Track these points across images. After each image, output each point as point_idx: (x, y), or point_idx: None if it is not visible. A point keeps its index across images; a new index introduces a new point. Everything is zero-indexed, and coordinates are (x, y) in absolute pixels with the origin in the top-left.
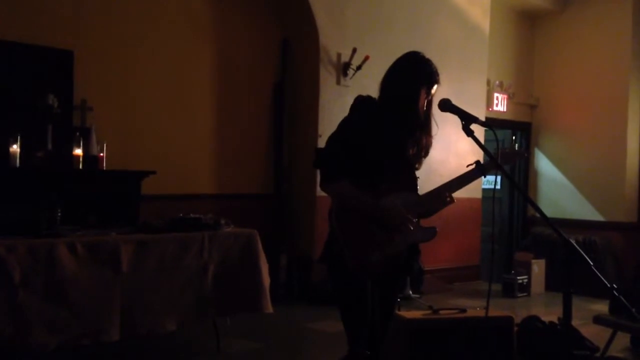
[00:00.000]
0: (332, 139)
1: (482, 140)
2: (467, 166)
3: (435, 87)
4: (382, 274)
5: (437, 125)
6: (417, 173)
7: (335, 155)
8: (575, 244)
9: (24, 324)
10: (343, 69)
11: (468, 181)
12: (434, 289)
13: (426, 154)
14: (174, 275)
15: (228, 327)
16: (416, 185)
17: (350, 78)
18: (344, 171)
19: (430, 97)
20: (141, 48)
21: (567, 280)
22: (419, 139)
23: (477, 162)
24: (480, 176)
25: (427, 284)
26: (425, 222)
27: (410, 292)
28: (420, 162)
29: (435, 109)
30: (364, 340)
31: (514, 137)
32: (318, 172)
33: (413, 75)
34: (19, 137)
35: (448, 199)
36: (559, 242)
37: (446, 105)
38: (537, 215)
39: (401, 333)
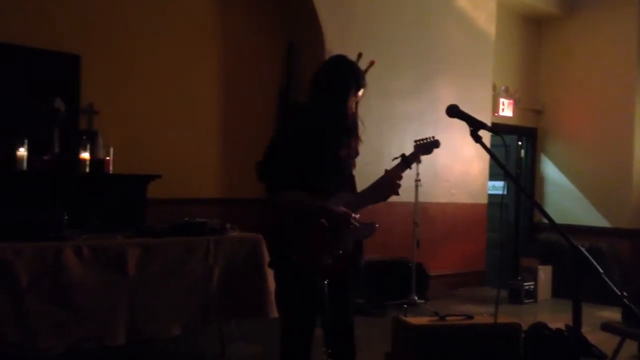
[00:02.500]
0: (269, 149)
1: (488, 145)
2: (393, 159)
3: (362, 90)
4: (333, 272)
5: (363, 125)
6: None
7: (276, 165)
8: (584, 251)
9: (30, 328)
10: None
11: (397, 175)
12: (439, 295)
13: (356, 154)
14: (179, 280)
15: (233, 331)
16: (354, 185)
17: None
18: (287, 179)
19: (358, 99)
20: (147, 52)
21: (576, 287)
22: (348, 141)
23: (403, 155)
24: (405, 169)
25: (432, 289)
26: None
27: (416, 298)
28: (353, 163)
29: (436, 114)
30: (300, 345)
31: (519, 143)
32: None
33: (341, 78)
34: (26, 141)
35: (394, 185)
36: (566, 248)
37: (454, 111)
38: (544, 221)
39: (408, 339)
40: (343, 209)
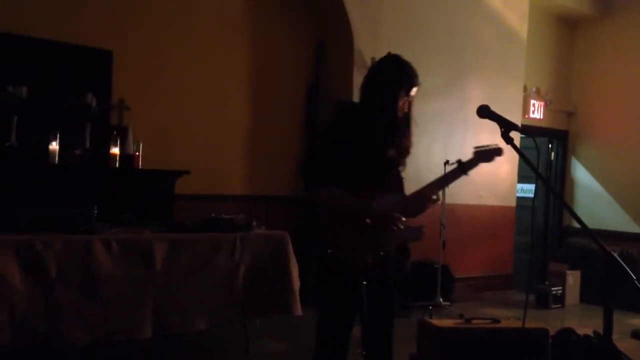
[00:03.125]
0: (316, 147)
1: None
2: (450, 164)
3: (414, 89)
4: (374, 275)
5: (417, 124)
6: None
7: (321, 163)
8: (617, 257)
9: (58, 319)
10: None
11: (451, 180)
12: (465, 297)
13: (406, 154)
14: (205, 275)
15: (257, 328)
16: (402, 186)
17: None
18: (329, 177)
19: (410, 99)
20: (178, 49)
21: (608, 293)
22: (398, 141)
23: (459, 161)
24: (461, 175)
25: (458, 292)
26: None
27: (441, 300)
28: (403, 163)
29: (465, 114)
30: (334, 346)
31: (550, 145)
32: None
33: (392, 77)
34: (58, 135)
35: (435, 197)
36: (595, 253)
37: (485, 112)
38: (573, 225)
39: (432, 341)
40: (386, 209)
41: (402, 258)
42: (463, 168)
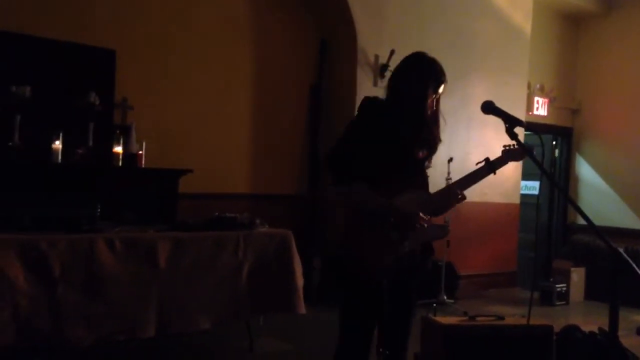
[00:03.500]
0: (341, 141)
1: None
2: (477, 163)
3: (442, 86)
4: (397, 273)
5: (445, 121)
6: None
7: (346, 158)
8: (623, 253)
9: (61, 318)
10: (380, 71)
11: (478, 179)
12: (469, 295)
13: (434, 152)
14: (209, 274)
15: (261, 327)
16: (427, 184)
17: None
18: (355, 173)
19: (437, 96)
20: (181, 49)
21: (613, 290)
22: (426, 138)
23: (487, 160)
24: (489, 173)
25: (462, 289)
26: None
27: (445, 297)
28: (429, 160)
29: (469, 111)
30: (361, 346)
31: (554, 143)
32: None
33: (420, 75)
34: (61, 134)
35: (460, 196)
36: (600, 250)
37: (489, 108)
38: (577, 222)
39: (436, 339)
40: (410, 208)
41: (426, 256)
42: (492, 166)
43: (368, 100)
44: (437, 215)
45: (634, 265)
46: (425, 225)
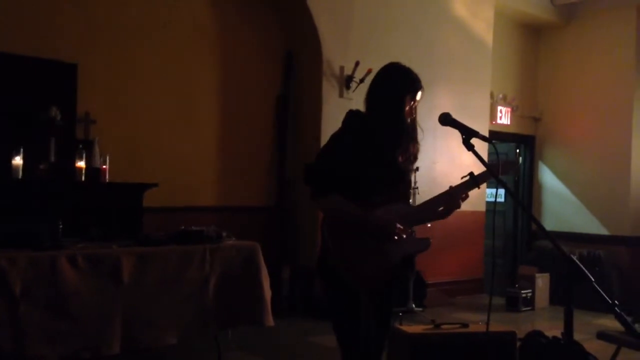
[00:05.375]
0: (322, 153)
1: (484, 153)
2: (462, 178)
3: (419, 94)
4: (377, 286)
5: (422, 130)
6: (416, 183)
7: (326, 170)
8: (576, 259)
9: (24, 336)
10: (346, 82)
11: (462, 192)
12: (437, 303)
13: (415, 160)
14: (175, 288)
15: (229, 340)
16: (409, 195)
17: (353, 91)
18: (334, 185)
19: (414, 104)
20: (145, 61)
21: (569, 295)
22: (406, 147)
23: (471, 174)
24: (473, 187)
25: (430, 297)
26: (420, 233)
27: (413, 306)
28: (410, 170)
29: (434, 121)
30: (359, 355)
31: (517, 150)
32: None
33: (396, 84)
34: (21, 150)
35: (441, 209)
36: (561, 256)
37: (446, 120)
38: (539, 229)
39: (402, 348)
40: (388, 219)
41: (407, 269)
42: (475, 181)
43: (352, 114)
44: (417, 225)
45: (586, 271)
46: (404, 236)
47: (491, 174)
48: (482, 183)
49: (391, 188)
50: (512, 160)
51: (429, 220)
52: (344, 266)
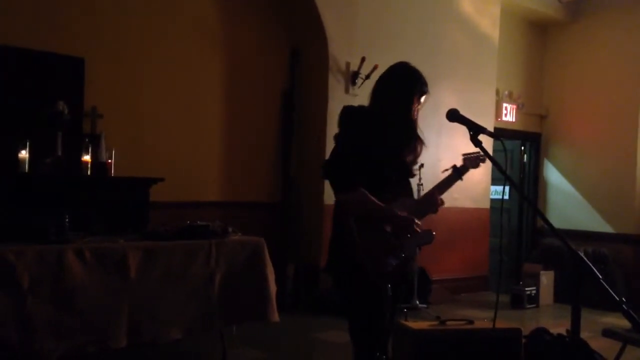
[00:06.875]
0: (339, 149)
1: (490, 150)
2: (443, 171)
3: (424, 96)
4: (399, 279)
5: (421, 130)
6: (421, 180)
7: (348, 165)
8: (583, 256)
9: (31, 330)
10: (352, 78)
11: (449, 185)
12: (441, 300)
13: (418, 156)
14: (180, 283)
15: (234, 336)
16: (412, 191)
17: (359, 87)
18: (353, 180)
19: (420, 106)
20: (152, 56)
21: (576, 293)
22: (414, 147)
23: (454, 167)
24: (457, 179)
25: (434, 294)
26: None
27: (418, 302)
28: (415, 169)
29: (439, 118)
30: (377, 347)
31: (522, 148)
32: (328, 183)
33: (406, 85)
34: (28, 144)
35: (439, 202)
36: (568, 253)
37: (454, 116)
38: (546, 226)
39: (407, 343)
40: (406, 214)
41: (414, 261)
42: (459, 173)
43: (352, 109)
44: (421, 218)
45: (593, 268)
46: (419, 230)
47: (469, 167)
48: (463, 175)
49: (399, 185)
50: (480, 155)
51: (426, 214)
52: (370, 261)
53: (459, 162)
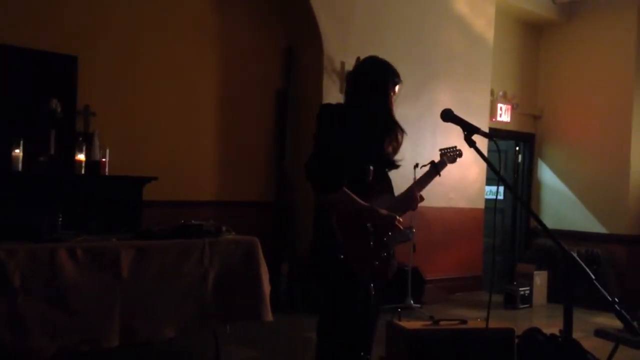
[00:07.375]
0: (320, 149)
1: (485, 150)
2: (421, 167)
3: (398, 86)
4: (384, 277)
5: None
6: (396, 177)
7: (331, 165)
8: (576, 257)
9: (23, 329)
10: (346, 78)
11: (427, 181)
12: (435, 299)
13: (398, 149)
14: (174, 282)
15: (228, 335)
16: (392, 188)
17: None
18: (343, 179)
19: (395, 95)
20: (145, 54)
21: (568, 293)
22: (394, 138)
23: (432, 162)
24: (435, 175)
25: (428, 294)
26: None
27: (412, 302)
28: (395, 160)
29: (433, 118)
30: (360, 345)
31: (517, 148)
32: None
33: (380, 77)
34: (21, 142)
35: (419, 198)
36: (561, 253)
37: (448, 116)
38: (540, 226)
39: (401, 343)
40: (388, 212)
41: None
42: (436, 169)
43: (332, 107)
44: (402, 215)
45: (586, 268)
46: (401, 227)
47: (446, 162)
48: (441, 170)
49: (380, 180)
50: (457, 151)
51: (407, 210)
52: (354, 260)
53: (437, 158)
